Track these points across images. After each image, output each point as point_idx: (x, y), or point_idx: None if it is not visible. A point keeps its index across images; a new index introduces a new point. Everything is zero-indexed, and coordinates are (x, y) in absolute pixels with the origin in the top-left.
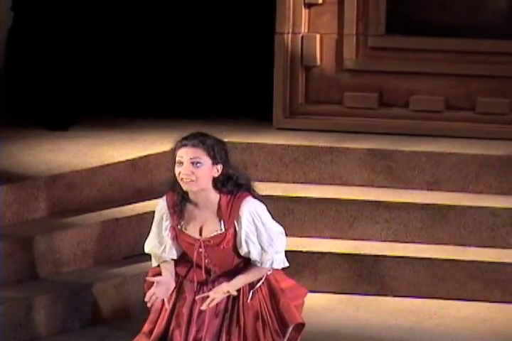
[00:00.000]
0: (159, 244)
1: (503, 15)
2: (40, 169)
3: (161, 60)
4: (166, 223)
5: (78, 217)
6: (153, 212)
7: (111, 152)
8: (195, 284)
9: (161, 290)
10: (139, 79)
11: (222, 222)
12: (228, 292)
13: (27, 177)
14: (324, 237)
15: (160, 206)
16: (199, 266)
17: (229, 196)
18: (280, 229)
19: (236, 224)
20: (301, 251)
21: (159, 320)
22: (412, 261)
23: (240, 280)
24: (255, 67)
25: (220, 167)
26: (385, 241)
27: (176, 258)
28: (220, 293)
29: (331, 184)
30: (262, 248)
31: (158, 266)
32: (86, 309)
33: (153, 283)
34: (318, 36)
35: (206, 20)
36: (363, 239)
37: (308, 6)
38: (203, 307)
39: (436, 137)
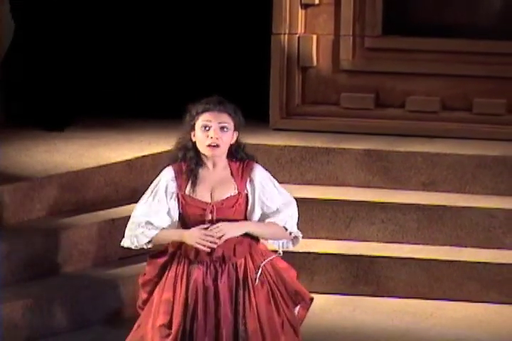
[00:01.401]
0: (154, 213)
1: (499, 15)
2: (36, 170)
3: (157, 61)
4: (172, 191)
5: (74, 218)
6: None
7: (107, 153)
8: (204, 264)
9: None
10: (135, 80)
11: (235, 184)
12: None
13: (23, 177)
14: (320, 238)
15: (165, 175)
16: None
17: (238, 163)
18: (291, 197)
19: (248, 186)
20: (297, 252)
21: (175, 311)
22: (408, 262)
23: (257, 226)
24: (252, 68)
25: (236, 134)
26: (381, 241)
27: (165, 226)
28: (233, 228)
29: (327, 184)
30: (278, 209)
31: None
32: (83, 310)
33: (148, 281)
34: (314, 37)
35: (204, 21)
36: (359, 240)
37: (305, 6)
38: (219, 242)
39: (433, 138)
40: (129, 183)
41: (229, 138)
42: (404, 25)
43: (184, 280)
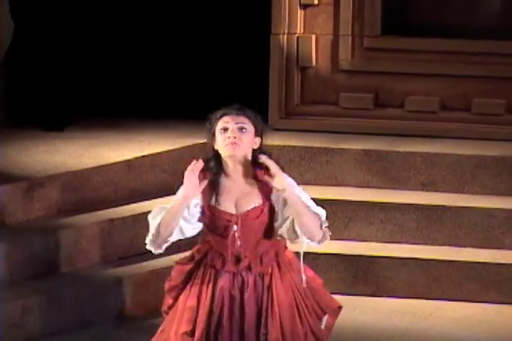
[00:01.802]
0: (187, 223)
1: (499, 16)
2: (36, 170)
3: (157, 61)
4: (196, 202)
5: (74, 218)
6: (148, 213)
7: (107, 153)
8: (230, 274)
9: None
10: (135, 80)
11: (259, 194)
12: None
13: (23, 177)
14: None
15: None
16: (230, 251)
17: (263, 170)
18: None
19: (273, 196)
20: (296, 252)
21: (199, 319)
22: (407, 262)
23: (300, 201)
24: (251, 68)
25: (258, 140)
26: (380, 241)
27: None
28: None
29: (326, 185)
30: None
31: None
32: (82, 309)
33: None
34: (313, 37)
35: (203, 21)
36: (358, 240)
37: (304, 6)
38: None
39: (432, 138)
40: (129, 183)
41: (249, 139)
42: (403, 25)
43: (210, 288)
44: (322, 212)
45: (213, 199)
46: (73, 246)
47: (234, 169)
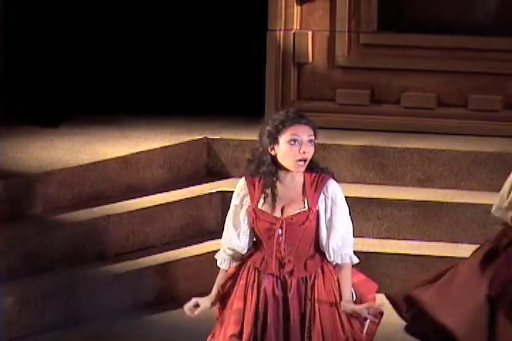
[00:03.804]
0: (234, 229)
1: (495, 12)
2: (32, 166)
3: (153, 57)
4: (246, 205)
5: (70, 214)
6: (145, 209)
7: (103, 149)
8: (274, 276)
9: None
10: (131, 76)
11: (306, 200)
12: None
13: (19, 174)
14: None
15: (240, 188)
16: (275, 255)
17: (313, 176)
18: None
19: (321, 203)
20: None
21: (246, 321)
22: (404, 258)
23: (346, 286)
24: (247, 64)
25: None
26: (377, 238)
27: (247, 246)
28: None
29: None
30: (342, 233)
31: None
32: (78, 306)
33: (225, 283)
34: (310, 33)
35: (199, 18)
36: (354, 236)
37: (300, 2)
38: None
39: (428, 134)
40: (125, 179)
41: (313, 152)
42: (399, 21)
43: (255, 289)
44: (356, 261)
45: (261, 202)
46: (69, 242)
47: (290, 177)
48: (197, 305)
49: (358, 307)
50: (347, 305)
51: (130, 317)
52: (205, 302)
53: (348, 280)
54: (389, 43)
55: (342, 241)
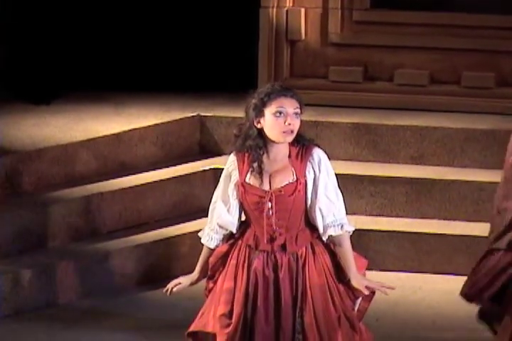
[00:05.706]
0: (224, 204)
1: None
2: (25, 143)
3: (147, 33)
4: (234, 179)
5: (63, 191)
6: (138, 186)
7: (96, 126)
8: (264, 254)
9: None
10: (124, 53)
11: (294, 171)
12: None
13: (12, 151)
14: None
15: (229, 164)
16: (266, 230)
17: (297, 148)
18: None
19: (307, 173)
20: None
21: (236, 300)
22: (397, 236)
23: (349, 261)
24: (240, 41)
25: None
26: (370, 215)
27: (237, 221)
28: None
29: None
30: (330, 200)
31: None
32: (71, 283)
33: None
34: (303, 10)
35: None
36: (347, 213)
37: None
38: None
39: (421, 111)
40: (118, 157)
41: (299, 124)
42: None
43: (245, 269)
44: (344, 218)
45: (248, 176)
46: (62, 220)
47: (276, 149)
48: (179, 284)
49: (372, 284)
50: (361, 280)
51: (122, 295)
52: (184, 281)
53: (349, 253)
54: (382, 20)
55: (332, 208)
